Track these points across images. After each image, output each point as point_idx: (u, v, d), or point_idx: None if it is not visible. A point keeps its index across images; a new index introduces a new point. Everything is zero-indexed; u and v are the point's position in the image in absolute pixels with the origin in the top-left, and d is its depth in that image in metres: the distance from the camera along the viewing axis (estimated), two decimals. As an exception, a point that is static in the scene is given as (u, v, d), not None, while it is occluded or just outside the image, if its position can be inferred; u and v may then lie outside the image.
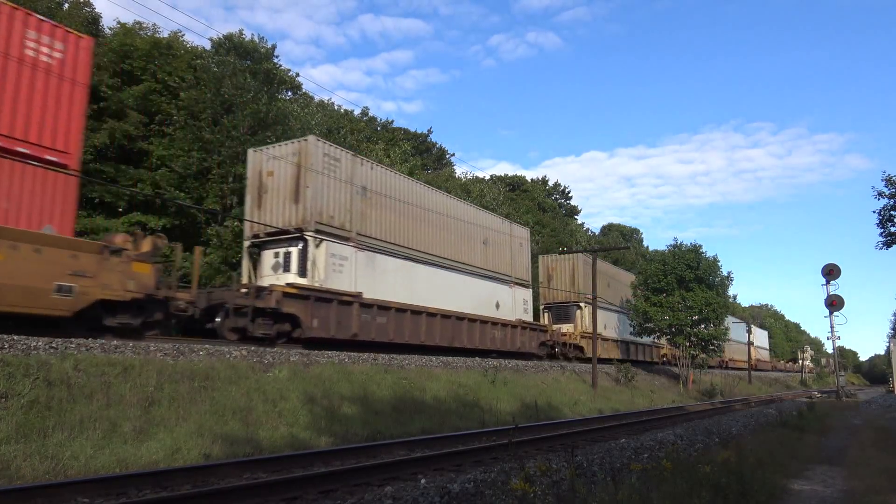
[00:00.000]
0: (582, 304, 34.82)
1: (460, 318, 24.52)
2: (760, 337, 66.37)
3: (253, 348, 15.52)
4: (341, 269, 19.31)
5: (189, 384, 11.89)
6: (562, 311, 35.83)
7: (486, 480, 7.25)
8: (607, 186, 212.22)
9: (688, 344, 36.82)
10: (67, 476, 7.87)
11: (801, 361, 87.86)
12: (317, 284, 18.39)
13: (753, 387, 51.78)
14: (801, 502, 6.72)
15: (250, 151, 20.93)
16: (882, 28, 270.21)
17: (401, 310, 21.37)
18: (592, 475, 8.06)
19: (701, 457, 8.19)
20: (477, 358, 23.65)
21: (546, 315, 36.23)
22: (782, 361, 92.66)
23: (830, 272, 29.13)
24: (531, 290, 31.04)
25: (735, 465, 6.79)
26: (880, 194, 19.83)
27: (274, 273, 19.11)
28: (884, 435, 13.37)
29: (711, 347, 37.70)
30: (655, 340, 41.93)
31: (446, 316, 23.66)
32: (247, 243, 20.09)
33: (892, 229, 19.94)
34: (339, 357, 17.20)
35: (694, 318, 36.16)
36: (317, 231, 18.71)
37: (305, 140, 19.60)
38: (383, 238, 21.54)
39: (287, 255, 19.07)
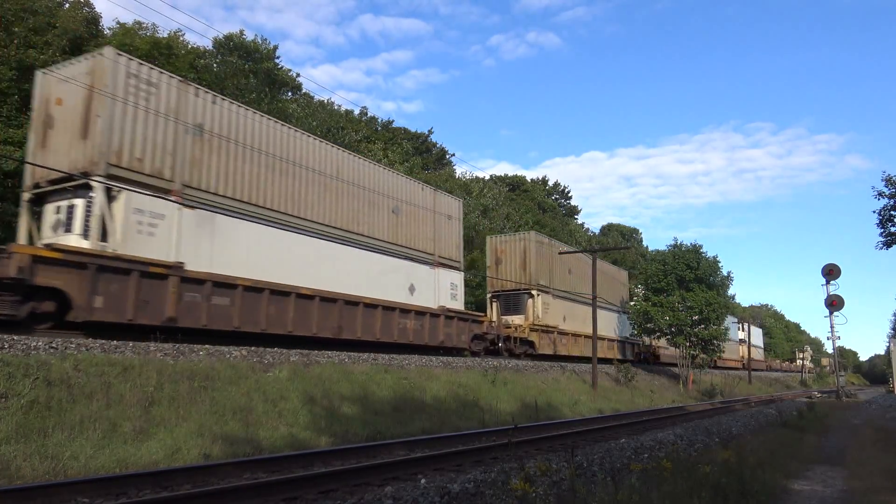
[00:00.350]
0: (535, 292, 30.18)
1: (352, 302, 19.41)
2: (754, 335, 65.92)
3: (253, 348, 15.52)
4: (153, 231, 14.64)
5: (189, 384, 11.89)
6: (511, 301, 30.79)
7: (486, 480, 7.24)
8: (607, 186, 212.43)
9: (688, 344, 36.83)
10: (67, 476, 7.87)
11: (801, 361, 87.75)
12: (110, 250, 13.75)
13: (753, 387, 51.79)
14: (801, 502, 6.72)
15: (38, 73, 15.83)
16: (882, 28, 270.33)
17: (253, 289, 16.36)
18: (592, 475, 8.06)
19: (701, 457, 8.20)
20: (384, 355, 19.06)
21: (494, 305, 31.31)
22: (777, 360, 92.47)
23: (830, 272, 29.14)
24: (462, 273, 26.05)
25: (735, 465, 6.79)
26: (880, 194, 19.87)
27: (54, 233, 14.48)
28: (884, 435, 13.37)
29: (711, 347, 37.72)
30: (631, 337, 41.10)
31: (329, 299, 18.58)
32: (26, 195, 15.21)
33: (892, 229, 19.97)
34: (339, 357, 17.20)
35: (694, 318, 36.16)
36: (110, 176, 13.97)
37: (101, 54, 14.54)
38: (231, 195, 16.66)
39: (70, 210, 14.30)
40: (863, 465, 9.09)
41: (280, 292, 17.20)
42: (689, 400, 31.94)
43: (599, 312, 36.03)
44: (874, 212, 20.19)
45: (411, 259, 22.94)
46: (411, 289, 22.62)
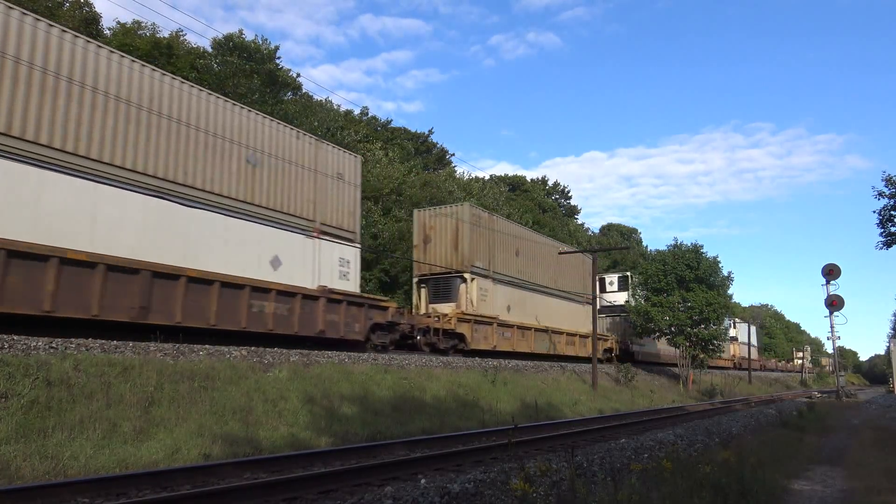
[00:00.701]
0: (468, 276, 25.48)
1: (167, 275, 14.43)
2: (744, 333, 65.32)
3: (253, 348, 15.52)
4: None
5: (189, 384, 11.90)
6: (441, 285, 26.05)
7: (486, 480, 7.25)
8: (607, 186, 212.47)
9: (688, 344, 36.83)
10: (67, 476, 7.87)
11: (801, 360, 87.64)
12: None
13: (753, 387, 51.81)
14: (801, 502, 6.72)
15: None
16: (882, 28, 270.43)
17: None
18: (592, 475, 8.06)
19: (701, 457, 8.19)
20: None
21: (422, 291, 26.65)
22: (773, 360, 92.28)
23: (830, 272, 29.14)
24: (359, 248, 21.27)
25: (735, 466, 6.78)
26: (880, 194, 19.87)
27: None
28: (884, 435, 13.37)
29: (711, 347, 37.74)
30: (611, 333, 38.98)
31: (127, 270, 13.64)
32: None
33: (892, 229, 19.96)
34: (338, 357, 17.20)
35: (694, 318, 36.15)
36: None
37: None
38: None
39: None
40: (863, 465, 9.09)
41: (25, 255, 11.94)
42: (689, 400, 31.94)
43: (559, 303, 32.08)
44: (874, 212, 20.20)
45: (276, 224, 17.95)
46: (275, 262, 17.67)
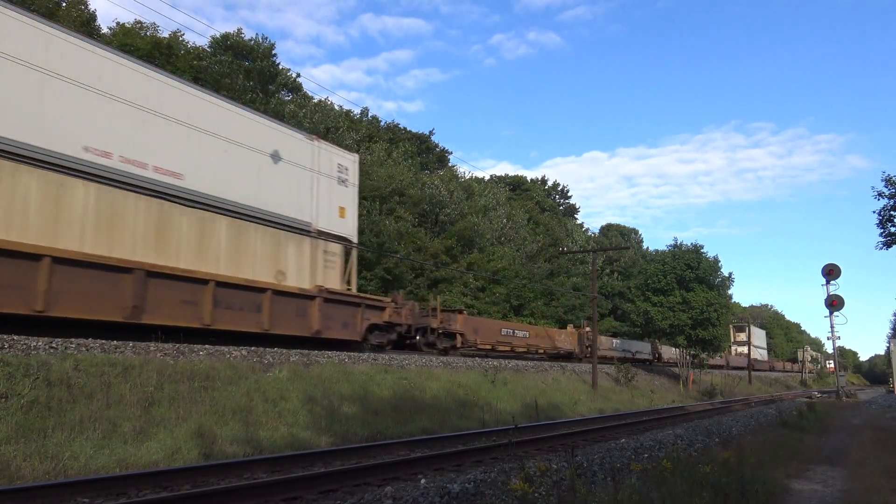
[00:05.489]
0: None
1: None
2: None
3: (253, 348, 15.51)
4: None
5: (189, 384, 11.90)
6: None
7: (487, 480, 7.24)
8: (608, 186, 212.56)
9: (687, 344, 36.83)
10: (67, 476, 7.87)
11: (804, 360, 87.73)
12: None
13: (753, 387, 51.82)
14: (801, 502, 6.72)
15: None
16: (882, 28, 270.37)
17: None
18: (593, 475, 8.06)
19: (701, 457, 8.19)
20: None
21: None
22: (769, 360, 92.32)
23: (830, 272, 29.14)
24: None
25: (735, 465, 6.79)
26: (880, 194, 19.85)
27: None
28: (884, 435, 13.37)
29: (711, 347, 37.75)
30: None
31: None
32: None
33: (892, 229, 19.95)
34: (339, 357, 17.20)
35: (696, 318, 36.10)
36: None
37: None
38: None
39: None
40: (863, 465, 9.09)
41: None
42: (689, 400, 31.95)
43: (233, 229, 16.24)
44: (874, 212, 20.19)
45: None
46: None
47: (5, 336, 10.96)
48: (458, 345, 24.99)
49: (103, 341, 12.47)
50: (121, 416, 10.04)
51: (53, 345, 11.28)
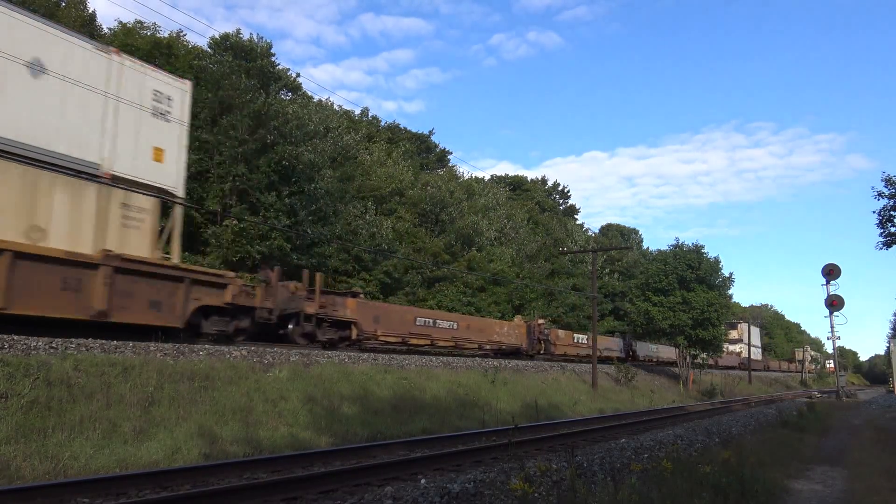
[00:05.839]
0: None
1: None
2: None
3: (253, 348, 15.51)
4: None
5: (189, 384, 11.89)
6: None
7: (486, 480, 7.24)
8: (608, 186, 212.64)
9: (687, 344, 36.82)
10: (67, 476, 7.87)
11: (802, 361, 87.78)
12: None
13: (753, 387, 51.82)
14: (801, 502, 6.72)
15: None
16: (883, 28, 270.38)
17: None
18: (593, 475, 8.05)
19: (701, 457, 8.19)
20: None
21: None
22: (775, 361, 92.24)
23: (830, 272, 29.13)
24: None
25: (735, 466, 6.79)
26: (880, 194, 19.82)
27: None
28: (884, 435, 13.36)
29: (711, 348, 37.75)
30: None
31: None
32: None
33: (892, 229, 19.92)
34: (339, 357, 17.20)
35: (696, 318, 36.08)
36: None
37: None
38: None
39: None
40: (863, 465, 9.08)
41: None
42: (689, 400, 31.95)
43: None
44: (874, 212, 20.16)
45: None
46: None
47: (5, 336, 10.95)
48: (353, 336, 20.62)
49: (103, 341, 12.47)
50: (121, 416, 10.04)
51: (53, 345, 11.27)
